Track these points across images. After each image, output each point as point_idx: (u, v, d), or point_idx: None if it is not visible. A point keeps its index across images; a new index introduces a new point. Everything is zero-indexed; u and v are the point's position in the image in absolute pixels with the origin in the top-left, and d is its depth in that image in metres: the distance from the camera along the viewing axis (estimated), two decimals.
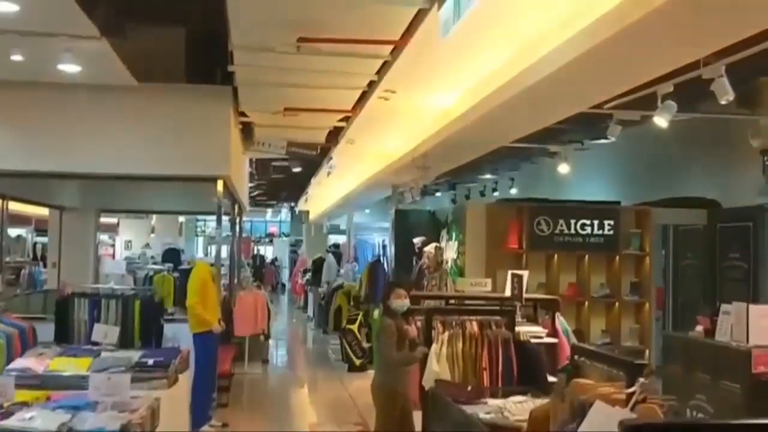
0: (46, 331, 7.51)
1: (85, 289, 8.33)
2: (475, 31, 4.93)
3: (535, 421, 4.13)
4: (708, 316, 6.64)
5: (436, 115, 8.13)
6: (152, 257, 20.37)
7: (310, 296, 20.69)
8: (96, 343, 6.47)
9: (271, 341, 13.95)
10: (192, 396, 7.18)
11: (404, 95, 7.63)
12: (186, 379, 6.44)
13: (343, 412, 9.76)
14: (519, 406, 4.76)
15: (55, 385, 5.05)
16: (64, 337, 7.39)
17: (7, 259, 12.65)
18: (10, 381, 4.54)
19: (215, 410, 8.65)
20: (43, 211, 13.39)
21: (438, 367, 5.79)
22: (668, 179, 10.91)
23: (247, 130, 10.66)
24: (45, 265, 14.17)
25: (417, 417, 6.18)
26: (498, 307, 6.74)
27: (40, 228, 15.88)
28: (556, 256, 10.21)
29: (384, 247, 21.01)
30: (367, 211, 24.35)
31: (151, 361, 5.69)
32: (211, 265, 9.08)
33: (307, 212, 25.02)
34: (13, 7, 5.74)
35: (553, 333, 6.99)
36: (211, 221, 8.78)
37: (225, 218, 10.79)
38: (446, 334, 6.03)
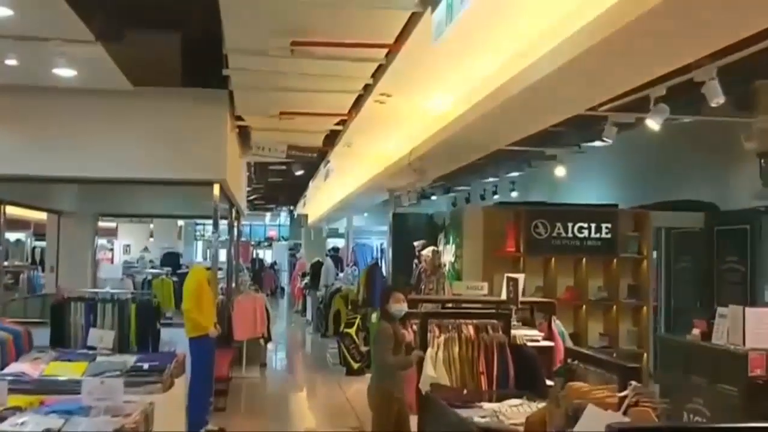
0: (44, 335, 7.51)
1: (81, 293, 8.32)
2: (469, 34, 4.92)
3: (532, 426, 4.12)
4: (705, 319, 6.65)
5: (432, 118, 8.13)
6: (151, 261, 20.38)
7: (309, 300, 20.68)
8: (92, 348, 6.47)
9: (269, 345, 13.92)
10: (188, 400, 7.17)
11: (400, 98, 7.63)
12: (182, 384, 6.43)
13: (340, 416, 9.75)
14: (514, 410, 4.75)
15: (49, 389, 5.02)
16: (59, 341, 7.39)
17: (6, 264, 12.64)
18: (4, 386, 4.52)
19: (212, 414, 8.64)
20: (43, 216, 13.37)
21: (433, 371, 5.79)
22: (666, 182, 10.91)
23: (244, 134, 10.66)
24: (44, 270, 14.17)
25: (413, 421, 6.17)
26: (494, 311, 6.74)
27: (40, 232, 15.86)
28: (553, 259, 10.20)
29: (382, 250, 21.02)
30: (366, 214, 24.35)
31: (146, 366, 5.69)
32: (207, 269, 9.07)
33: (306, 216, 25.01)
34: (7, 12, 5.74)
35: (550, 336, 6.98)
36: (210, 225, 8.75)
37: (223, 222, 10.79)
38: (442, 337, 6.03)
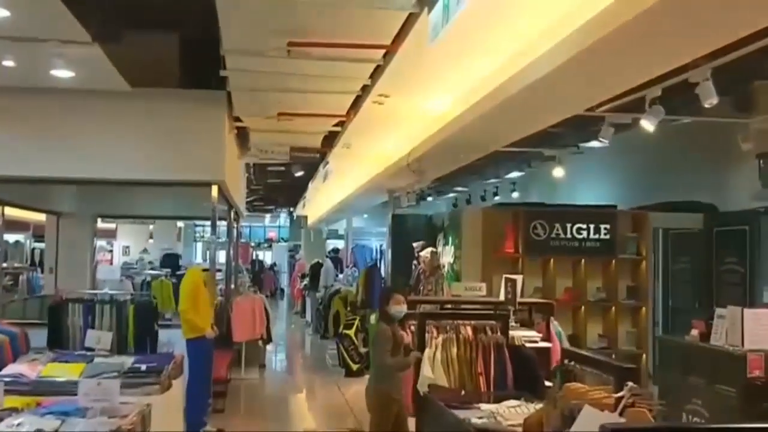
0: (42, 336, 7.50)
1: (79, 294, 8.32)
2: (467, 34, 4.91)
3: (530, 427, 4.12)
4: (703, 320, 6.63)
5: (431, 119, 8.12)
6: (150, 263, 20.36)
7: (308, 301, 20.67)
8: (90, 349, 6.46)
9: (269, 346, 13.91)
10: (186, 401, 7.16)
11: (398, 99, 7.62)
12: (180, 385, 6.42)
13: (339, 418, 9.74)
14: (512, 411, 4.75)
15: (46, 391, 5.02)
16: (57, 342, 7.38)
17: (5, 265, 12.64)
18: (0, 387, 4.51)
19: (211, 416, 8.63)
20: (42, 217, 13.39)
21: (431, 371, 5.78)
22: (665, 183, 10.89)
23: (242, 135, 10.66)
24: (43, 271, 14.16)
25: (411, 423, 6.17)
26: (492, 312, 6.72)
27: (39, 234, 15.87)
28: (552, 260, 10.18)
29: (382, 251, 20.99)
30: (365, 215, 24.35)
31: (143, 367, 5.68)
32: (204, 270, 9.05)
33: (306, 217, 25.02)
34: (5, 13, 5.74)
35: (548, 337, 6.96)
36: (209, 226, 8.73)
37: (222, 223, 10.77)
38: (440, 338, 6.02)
